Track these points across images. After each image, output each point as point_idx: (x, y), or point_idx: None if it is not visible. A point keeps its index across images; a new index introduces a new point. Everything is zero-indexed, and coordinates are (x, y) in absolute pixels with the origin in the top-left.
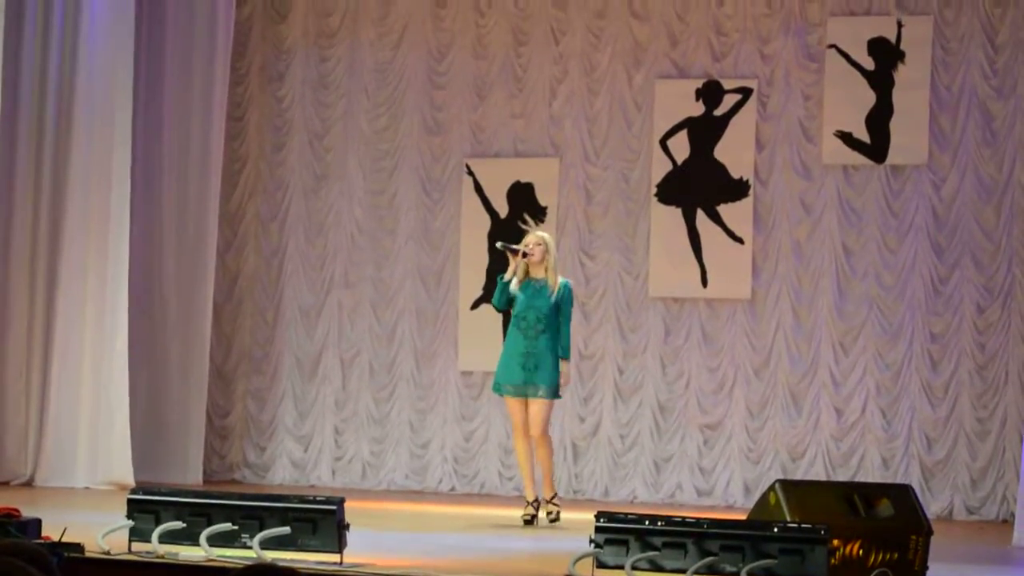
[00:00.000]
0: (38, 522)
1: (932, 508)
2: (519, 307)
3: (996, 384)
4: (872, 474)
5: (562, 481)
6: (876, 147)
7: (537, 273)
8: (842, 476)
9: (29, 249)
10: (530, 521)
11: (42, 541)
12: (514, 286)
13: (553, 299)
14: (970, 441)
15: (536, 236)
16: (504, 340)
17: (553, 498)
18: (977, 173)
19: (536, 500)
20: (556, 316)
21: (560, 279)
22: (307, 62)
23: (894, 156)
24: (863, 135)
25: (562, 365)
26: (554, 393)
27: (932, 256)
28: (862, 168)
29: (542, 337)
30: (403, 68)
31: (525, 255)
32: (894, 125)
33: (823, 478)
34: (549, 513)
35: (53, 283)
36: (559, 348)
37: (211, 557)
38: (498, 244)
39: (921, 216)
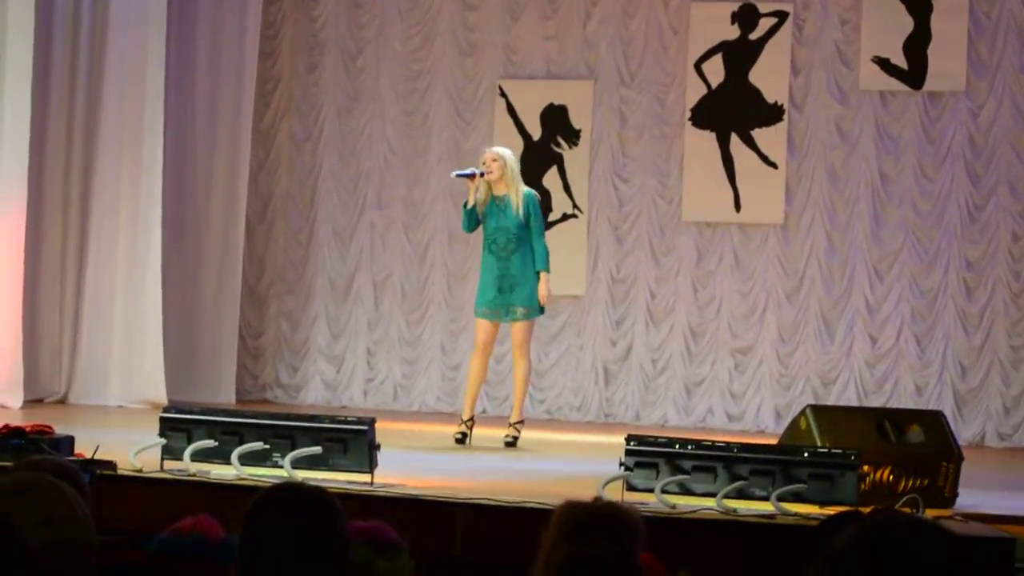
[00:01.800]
0: (71, 439)
1: (964, 435)
2: (488, 229)
3: None
4: (905, 401)
5: (593, 404)
6: (913, 73)
7: (499, 190)
8: (874, 403)
9: (62, 169)
10: (461, 440)
11: (74, 458)
12: (480, 208)
13: (520, 214)
14: (1004, 369)
15: (492, 152)
16: (481, 263)
17: (517, 423)
18: (1015, 100)
19: (471, 419)
20: (527, 231)
21: (523, 190)
22: None
23: (931, 83)
24: (900, 61)
25: (541, 278)
26: (536, 311)
27: (968, 183)
28: (899, 94)
29: (514, 257)
30: None
31: (482, 175)
32: (932, 51)
33: (855, 404)
34: (507, 436)
35: (86, 202)
36: (536, 262)
37: (242, 476)
38: (452, 174)
39: (958, 143)
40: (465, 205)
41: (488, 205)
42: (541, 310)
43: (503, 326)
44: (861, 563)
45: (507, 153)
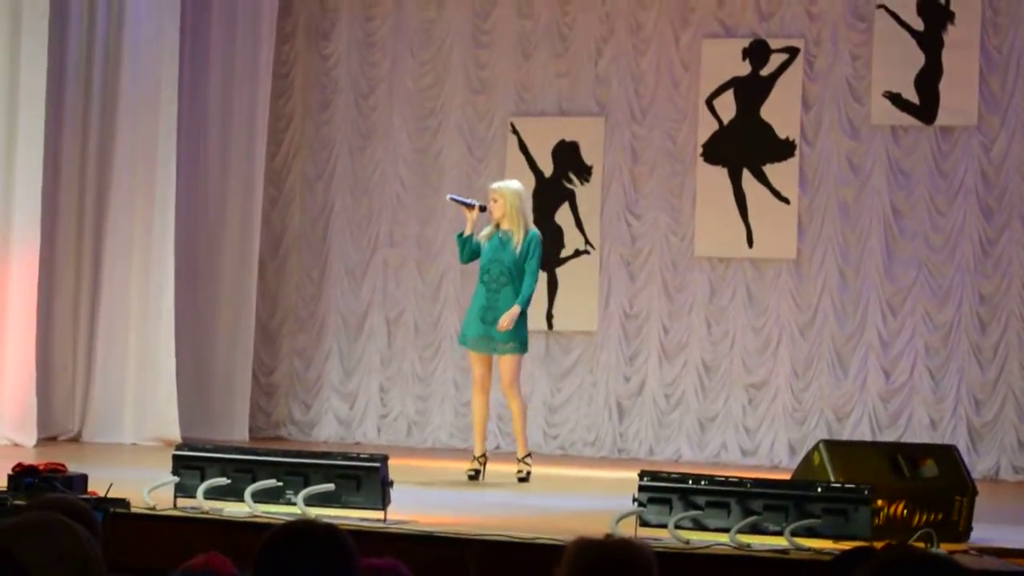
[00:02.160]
0: (84, 477)
1: (979, 468)
2: (483, 260)
3: None
4: (919, 435)
5: (606, 439)
6: (925, 108)
7: (504, 225)
8: (889, 437)
9: (76, 206)
10: (474, 476)
11: (88, 496)
12: (482, 239)
13: (519, 251)
14: (1018, 402)
15: (493, 192)
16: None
17: (525, 457)
18: None
19: (483, 455)
20: (521, 269)
21: (530, 230)
22: (352, 21)
23: (943, 117)
24: (912, 96)
25: (512, 309)
26: (519, 348)
27: (981, 218)
28: (911, 129)
29: (504, 291)
30: (448, 26)
31: (483, 208)
32: (943, 86)
33: (869, 439)
34: (519, 472)
35: (100, 241)
36: (519, 295)
37: (256, 513)
38: (448, 197)
39: (970, 177)
40: (460, 235)
41: (492, 237)
42: (526, 348)
43: (494, 363)
44: None
45: (511, 189)
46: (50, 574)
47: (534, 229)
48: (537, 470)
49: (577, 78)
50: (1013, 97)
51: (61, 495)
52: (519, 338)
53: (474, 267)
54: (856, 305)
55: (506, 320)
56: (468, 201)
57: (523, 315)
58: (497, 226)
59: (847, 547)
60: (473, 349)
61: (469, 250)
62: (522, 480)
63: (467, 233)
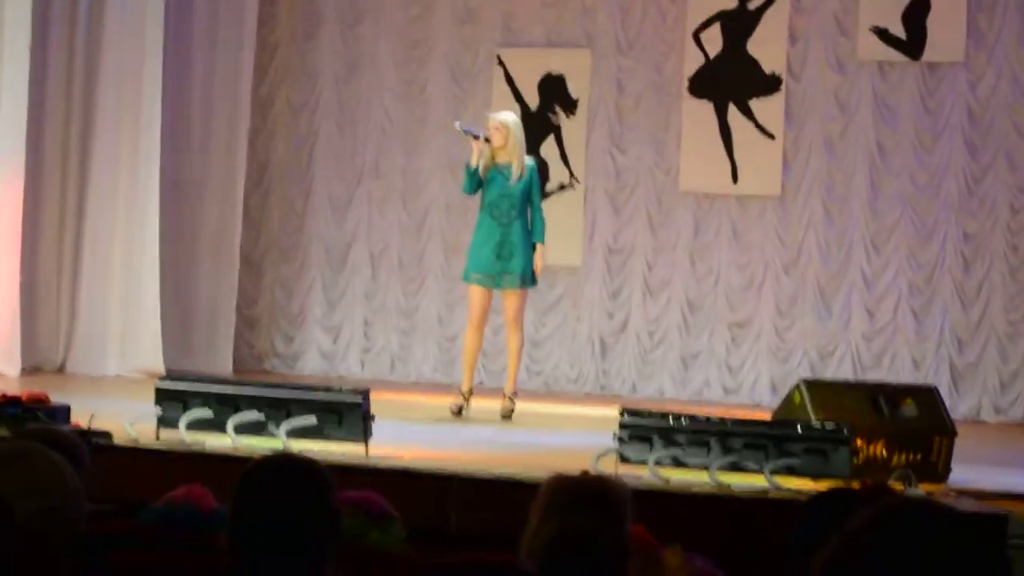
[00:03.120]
0: (67, 409)
1: (960, 409)
2: (491, 194)
3: None
4: (902, 375)
5: (589, 376)
6: (912, 43)
7: (502, 158)
8: (871, 377)
9: (60, 136)
10: (458, 412)
11: (70, 428)
12: (482, 173)
13: (522, 183)
14: (1001, 343)
15: (496, 120)
16: (476, 227)
17: (512, 394)
18: (1014, 72)
19: (470, 391)
20: (527, 201)
21: (527, 161)
22: None
23: (930, 53)
24: (899, 31)
25: (538, 250)
26: (530, 280)
27: (967, 156)
28: (897, 65)
29: (515, 224)
30: None
31: (488, 140)
32: (931, 22)
33: (852, 378)
34: (504, 408)
35: (84, 171)
36: (534, 233)
37: (238, 446)
38: (456, 124)
39: (956, 115)
40: (468, 166)
41: (491, 171)
42: (534, 282)
43: (495, 298)
44: (881, 550)
45: (512, 120)
46: (27, 503)
47: (530, 159)
48: (520, 406)
49: (564, 9)
50: (1001, 34)
51: (48, 426)
52: (529, 272)
53: (460, 202)
54: (840, 243)
55: (540, 263)
56: (478, 132)
57: (531, 250)
58: (492, 158)
59: (825, 486)
60: (480, 284)
61: (476, 181)
62: (505, 417)
63: (475, 164)
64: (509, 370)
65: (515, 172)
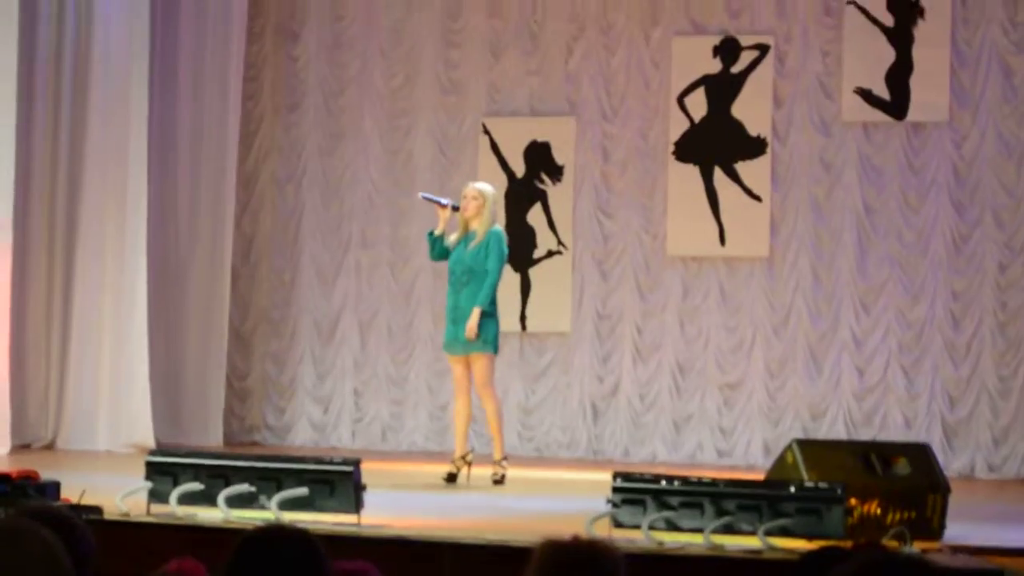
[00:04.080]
0: (57, 484)
1: (953, 466)
2: (450, 262)
3: (1018, 342)
4: (894, 433)
5: (582, 441)
6: (896, 104)
7: (473, 226)
8: (864, 436)
9: (47, 212)
10: (451, 479)
11: (60, 503)
12: (451, 240)
13: (478, 248)
14: (992, 400)
15: (472, 189)
16: None
17: (501, 459)
18: (998, 130)
19: (463, 457)
20: (483, 267)
21: (492, 228)
22: (322, 21)
23: (914, 113)
24: (883, 92)
25: (473, 312)
26: (486, 347)
27: (953, 214)
28: (882, 125)
29: (465, 290)
30: (418, 27)
31: (456, 208)
32: (914, 82)
33: (844, 438)
34: (495, 474)
35: (72, 247)
36: (477, 296)
37: (229, 518)
38: (420, 195)
39: (942, 174)
40: (431, 233)
41: (460, 240)
42: (494, 348)
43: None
44: None
45: (488, 191)
46: None
47: (497, 227)
48: (512, 472)
49: (548, 77)
50: (984, 92)
51: (45, 503)
52: (486, 338)
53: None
54: (829, 303)
55: (471, 325)
56: (440, 200)
57: (491, 315)
58: (466, 228)
59: (819, 546)
60: (448, 352)
61: (440, 248)
62: (497, 482)
63: (439, 231)
64: (493, 437)
65: (477, 239)
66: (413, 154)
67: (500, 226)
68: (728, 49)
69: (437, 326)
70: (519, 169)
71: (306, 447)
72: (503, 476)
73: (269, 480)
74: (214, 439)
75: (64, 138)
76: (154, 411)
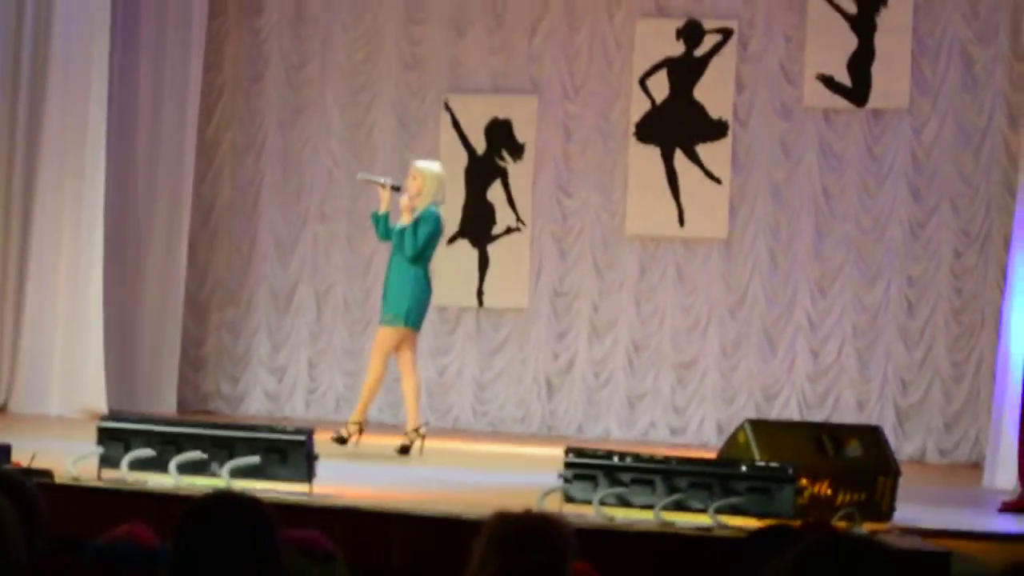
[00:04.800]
0: (7, 448)
1: (905, 450)
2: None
3: (972, 328)
4: (847, 416)
5: (536, 417)
6: (857, 91)
7: (415, 204)
8: (816, 417)
9: (4, 178)
10: (340, 441)
11: (11, 467)
12: (405, 220)
13: (410, 224)
14: (945, 385)
15: (414, 169)
16: None
17: (414, 430)
18: (957, 119)
19: (357, 423)
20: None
21: (429, 207)
22: None
23: (875, 100)
24: (844, 79)
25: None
26: (398, 320)
27: (911, 200)
28: (843, 112)
29: (391, 261)
30: (381, 1)
31: (396, 188)
32: (876, 69)
33: (797, 419)
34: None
35: (28, 211)
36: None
37: (180, 485)
38: (358, 175)
39: (901, 160)
40: (374, 213)
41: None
42: (404, 322)
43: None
44: None
45: (429, 170)
46: None
47: (432, 207)
48: (466, 446)
49: (511, 55)
50: (944, 81)
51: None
52: (397, 311)
53: None
54: (786, 286)
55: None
56: (379, 179)
57: (411, 288)
58: (413, 208)
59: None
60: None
61: (384, 227)
62: (402, 452)
63: (382, 211)
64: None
65: (415, 217)
66: (374, 129)
67: (439, 207)
68: (691, 32)
69: None
70: (480, 146)
71: (260, 416)
72: (408, 447)
73: (221, 448)
74: (168, 406)
75: (23, 104)
76: (108, 377)
